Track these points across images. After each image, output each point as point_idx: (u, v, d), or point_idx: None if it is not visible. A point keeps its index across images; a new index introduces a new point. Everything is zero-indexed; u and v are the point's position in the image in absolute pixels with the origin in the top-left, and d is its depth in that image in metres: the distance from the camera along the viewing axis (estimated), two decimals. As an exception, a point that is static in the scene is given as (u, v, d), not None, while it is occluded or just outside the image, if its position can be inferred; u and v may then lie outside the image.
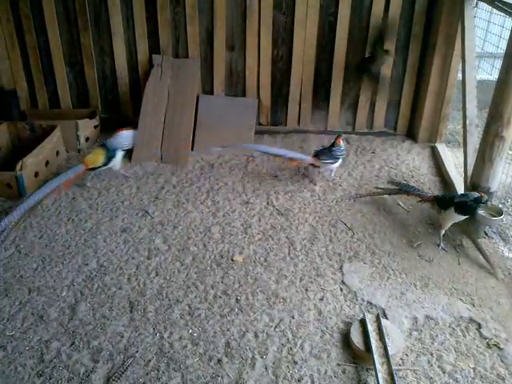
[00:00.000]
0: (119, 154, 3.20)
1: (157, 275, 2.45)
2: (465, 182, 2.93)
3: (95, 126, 3.84)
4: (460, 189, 3.02)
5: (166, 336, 2.10)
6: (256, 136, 3.74)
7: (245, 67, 3.80)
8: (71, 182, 3.01)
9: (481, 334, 2.12)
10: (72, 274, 2.45)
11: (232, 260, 2.55)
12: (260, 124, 3.95)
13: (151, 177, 3.35)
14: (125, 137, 3.23)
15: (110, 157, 3.13)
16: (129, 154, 3.47)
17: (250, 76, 3.82)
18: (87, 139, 3.74)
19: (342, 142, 3.21)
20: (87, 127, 3.73)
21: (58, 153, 3.48)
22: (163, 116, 3.64)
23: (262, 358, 2.00)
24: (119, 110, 3.98)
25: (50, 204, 3.02)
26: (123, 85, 3.89)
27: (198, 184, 3.27)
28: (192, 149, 3.62)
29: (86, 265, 2.52)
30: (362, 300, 2.31)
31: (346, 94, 3.85)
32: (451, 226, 2.63)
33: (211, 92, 3.88)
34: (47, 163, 3.33)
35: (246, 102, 3.85)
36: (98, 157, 3.09)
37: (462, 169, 3.06)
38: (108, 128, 3.93)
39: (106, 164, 3.13)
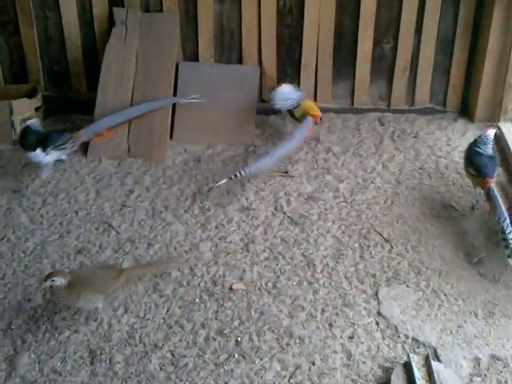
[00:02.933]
0: None
1: (126, 312, 2.47)
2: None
3: (37, 108, 3.80)
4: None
5: (141, 395, 2.12)
6: (259, 117, 3.74)
7: (241, 23, 3.79)
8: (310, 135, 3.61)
9: None
10: (9, 313, 2.46)
11: (230, 288, 2.57)
12: (263, 101, 3.93)
13: (115, 176, 3.36)
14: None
15: None
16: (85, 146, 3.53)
17: (247, 35, 3.82)
18: (26, 126, 3.74)
19: None
20: (26, 110, 3.70)
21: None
22: (130, 92, 3.65)
23: (273, 422, 2.01)
24: (69, 84, 3.98)
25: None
26: (74, 49, 3.87)
27: (181, 185, 3.28)
28: (171, 136, 3.63)
29: (29, 300, 2.53)
30: (406, 337, 2.34)
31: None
32: None
33: (196, 58, 3.88)
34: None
35: (243, 71, 3.86)
36: (314, 106, 3.68)
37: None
38: (54, 110, 3.95)
39: None
